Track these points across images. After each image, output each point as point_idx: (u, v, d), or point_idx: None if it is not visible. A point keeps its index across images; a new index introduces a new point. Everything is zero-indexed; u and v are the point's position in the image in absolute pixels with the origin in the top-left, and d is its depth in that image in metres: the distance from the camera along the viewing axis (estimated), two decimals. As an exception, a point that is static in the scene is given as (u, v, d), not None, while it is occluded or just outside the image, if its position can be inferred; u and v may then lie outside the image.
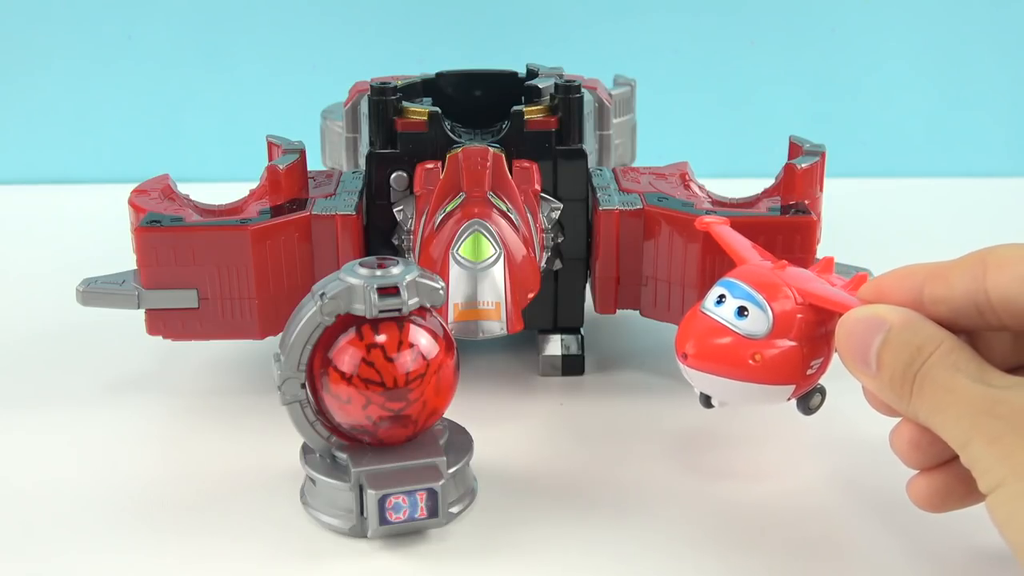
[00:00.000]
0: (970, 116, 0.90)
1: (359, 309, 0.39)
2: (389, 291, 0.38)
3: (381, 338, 0.39)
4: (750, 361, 0.39)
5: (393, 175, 0.51)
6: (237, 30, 0.86)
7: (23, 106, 0.88)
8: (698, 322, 0.40)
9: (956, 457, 0.37)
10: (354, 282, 0.38)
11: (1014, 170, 0.90)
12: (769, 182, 0.53)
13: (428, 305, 0.40)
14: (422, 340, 0.39)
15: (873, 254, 0.58)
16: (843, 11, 0.88)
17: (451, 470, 0.40)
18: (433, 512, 0.39)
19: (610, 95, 0.58)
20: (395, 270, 0.39)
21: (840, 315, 0.38)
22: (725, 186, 0.54)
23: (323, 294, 0.38)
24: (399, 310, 0.39)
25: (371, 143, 0.51)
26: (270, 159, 0.55)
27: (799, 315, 0.40)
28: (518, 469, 0.45)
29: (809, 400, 0.42)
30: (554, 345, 0.53)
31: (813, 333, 0.40)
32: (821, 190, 0.53)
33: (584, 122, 0.52)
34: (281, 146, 0.54)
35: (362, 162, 0.53)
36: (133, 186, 0.52)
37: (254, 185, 0.52)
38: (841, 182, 0.65)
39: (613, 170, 0.55)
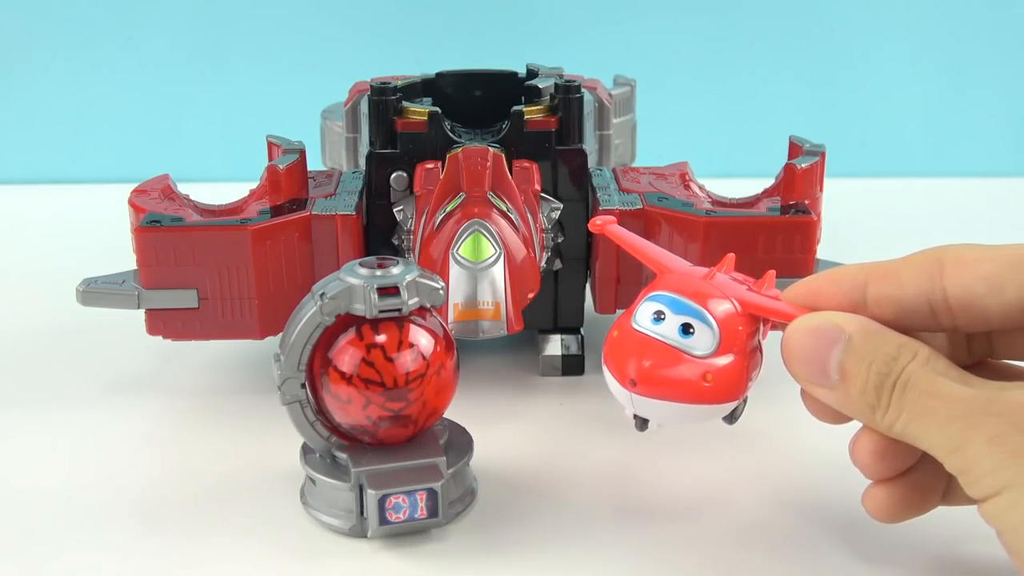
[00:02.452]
0: (970, 116, 0.90)
1: (359, 309, 0.38)
2: (389, 291, 0.38)
3: (381, 338, 0.39)
4: (703, 383, 0.37)
5: (393, 175, 0.51)
6: (237, 30, 0.86)
7: (23, 106, 0.88)
8: (638, 343, 0.37)
9: (914, 467, 0.37)
10: (354, 282, 0.38)
11: (1014, 170, 0.90)
12: (769, 182, 0.53)
13: (428, 305, 0.40)
14: (422, 340, 0.39)
15: (873, 254, 0.57)
16: (843, 11, 0.88)
17: (451, 470, 0.40)
18: (433, 512, 0.39)
19: (610, 95, 0.58)
20: (395, 270, 0.39)
21: (778, 323, 0.37)
22: (725, 186, 0.54)
23: (323, 294, 0.38)
24: (399, 310, 0.39)
25: (371, 143, 0.51)
26: (270, 159, 0.55)
27: (740, 327, 0.38)
28: (518, 469, 0.45)
29: (736, 411, 0.39)
30: (554, 345, 0.53)
31: (750, 344, 0.38)
32: (821, 190, 0.53)
33: (584, 122, 0.52)
34: (281, 146, 0.54)
35: (362, 162, 0.53)
36: (133, 186, 0.52)
37: (254, 185, 0.52)
38: (841, 182, 0.65)
39: (613, 170, 0.55)
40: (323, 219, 0.50)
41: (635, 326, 0.38)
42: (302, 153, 0.52)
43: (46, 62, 0.87)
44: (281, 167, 0.51)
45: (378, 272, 0.39)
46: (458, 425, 0.43)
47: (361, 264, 0.39)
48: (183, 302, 0.49)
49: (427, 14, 0.86)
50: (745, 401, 0.40)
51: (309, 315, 0.39)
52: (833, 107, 0.89)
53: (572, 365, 0.53)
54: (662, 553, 0.40)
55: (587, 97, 0.53)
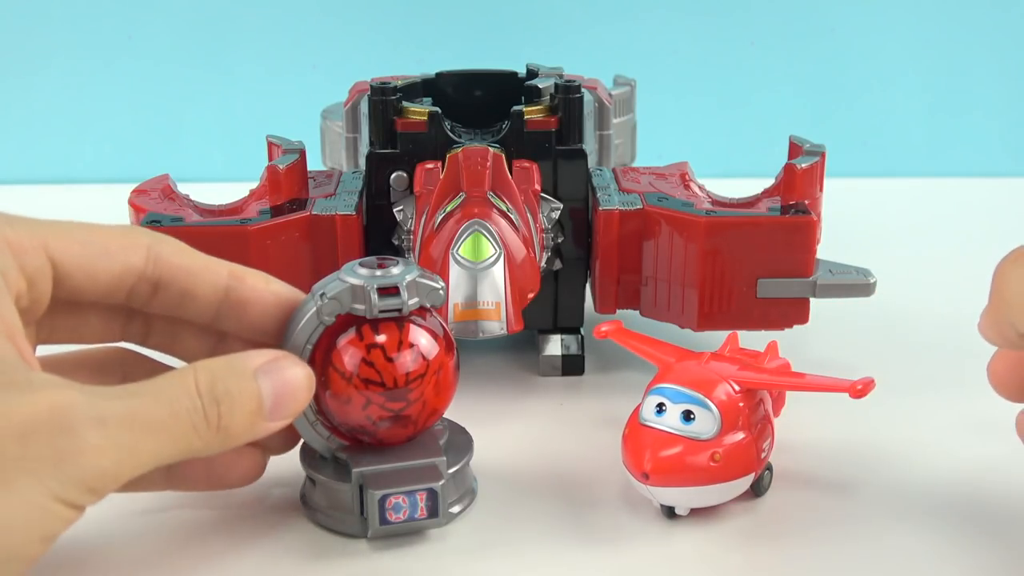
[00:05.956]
0: (970, 116, 0.90)
1: (359, 309, 0.38)
2: (389, 291, 0.38)
3: (381, 338, 0.39)
4: (711, 463, 0.39)
5: (393, 175, 0.51)
6: (237, 30, 0.86)
7: (23, 106, 0.88)
8: (646, 437, 0.40)
9: None
10: (354, 282, 0.38)
11: (1014, 170, 0.90)
12: (769, 182, 0.53)
13: (428, 305, 0.40)
14: (422, 340, 0.39)
15: (873, 254, 0.58)
16: (843, 11, 0.88)
17: (451, 470, 0.40)
18: (433, 512, 0.39)
19: (610, 95, 0.58)
20: (395, 270, 0.39)
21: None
22: (725, 186, 0.54)
23: (323, 294, 0.38)
24: (399, 310, 0.39)
25: (371, 143, 0.51)
26: (270, 159, 0.55)
27: (741, 404, 0.40)
28: (518, 469, 0.45)
29: (761, 482, 0.42)
30: (554, 345, 0.53)
31: (756, 417, 0.41)
32: (821, 190, 0.53)
33: (584, 122, 0.52)
34: (281, 146, 0.54)
35: (362, 162, 0.53)
36: (133, 186, 0.52)
37: (254, 185, 0.52)
38: (841, 182, 0.65)
39: (613, 170, 0.55)
40: (323, 219, 0.50)
41: (642, 421, 0.41)
42: (302, 153, 0.52)
43: (46, 62, 0.87)
44: (281, 167, 0.51)
45: (378, 272, 0.39)
46: (458, 425, 0.43)
47: (361, 264, 0.39)
48: (183, 302, 0.49)
49: (427, 14, 0.86)
50: (770, 471, 0.42)
51: (309, 315, 0.39)
52: (833, 107, 0.89)
53: (572, 365, 0.53)
54: (663, 552, 0.40)
55: (587, 97, 0.53)
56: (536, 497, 0.43)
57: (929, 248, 0.72)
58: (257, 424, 0.36)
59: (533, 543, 0.40)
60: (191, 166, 0.77)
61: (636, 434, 0.40)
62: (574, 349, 0.53)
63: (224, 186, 0.58)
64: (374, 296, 0.38)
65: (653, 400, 0.41)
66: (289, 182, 0.51)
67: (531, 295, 0.48)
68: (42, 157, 0.88)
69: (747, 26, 0.87)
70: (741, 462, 0.40)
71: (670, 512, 0.41)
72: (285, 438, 0.41)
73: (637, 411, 0.41)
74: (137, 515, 0.42)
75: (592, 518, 0.42)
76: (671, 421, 0.40)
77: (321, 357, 0.39)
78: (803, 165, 0.51)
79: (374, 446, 0.40)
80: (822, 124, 0.88)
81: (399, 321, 0.39)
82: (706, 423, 0.39)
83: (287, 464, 0.43)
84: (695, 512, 0.41)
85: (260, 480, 0.44)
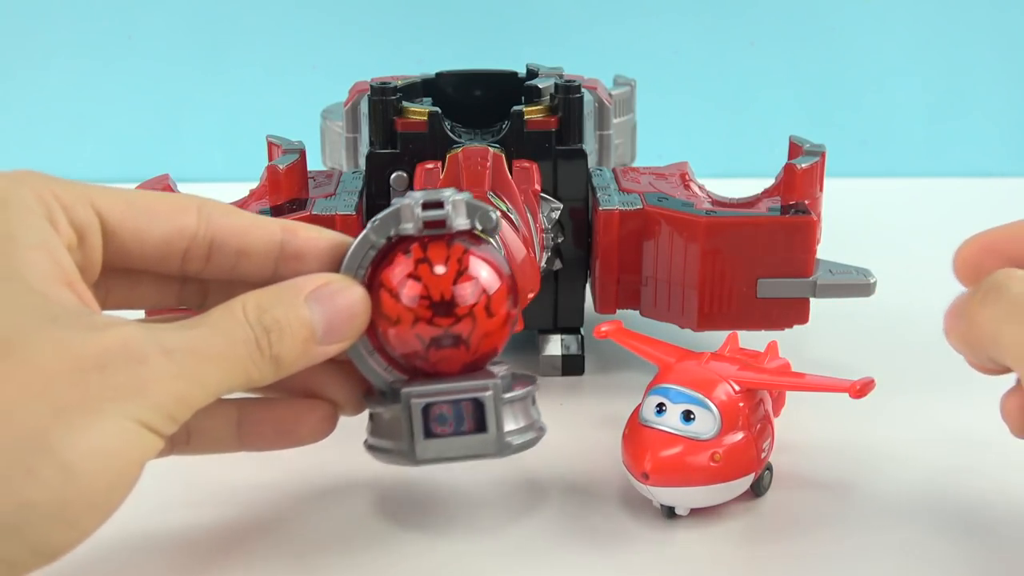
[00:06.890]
0: (970, 116, 0.90)
1: (407, 228, 0.38)
2: (435, 205, 0.38)
3: (431, 256, 0.38)
4: (711, 463, 0.39)
5: (393, 175, 0.51)
6: (237, 30, 0.86)
7: (23, 106, 0.88)
8: (646, 438, 0.40)
9: None
10: (403, 202, 0.38)
11: (1014, 170, 0.90)
12: (769, 182, 0.53)
13: (479, 228, 0.38)
14: (472, 261, 0.38)
15: (873, 254, 0.58)
16: (843, 11, 0.88)
17: (510, 394, 0.38)
18: (480, 426, 0.37)
19: (610, 95, 0.58)
20: (446, 192, 0.38)
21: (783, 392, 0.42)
22: (725, 186, 0.54)
23: (373, 219, 0.38)
24: (443, 222, 0.37)
25: (371, 143, 0.51)
26: (270, 159, 0.55)
27: (741, 404, 0.40)
28: (518, 469, 0.45)
29: (761, 482, 0.42)
30: (554, 345, 0.53)
31: (755, 417, 0.41)
32: (821, 190, 0.53)
33: (584, 122, 0.52)
34: (281, 146, 0.54)
35: (362, 162, 0.53)
36: (133, 186, 0.52)
37: (254, 185, 0.52)
38: (841, 182, 0.65)
39: (613, 170, 0.55)
40: (323, 219, 0.50)
41: (641, 421, 0.41)
42: (302, 153, 0.52)
43: (46, 62, 0.87)
44: (281, 167, 0.51)
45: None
46: (523, 372, 0.41)
47: (412, 191, 0.39)
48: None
49: (427, 14, 0.86)
50: (770, 471, 0.42)
51: (360, 240, 0.38)
52: (833, 107, 0.89)
53: (572, 365, 0.53)
54: (663, 552, 0.40)
55: (587, 97, 0.53)
56: (536, 497, 0.43)
57: (929, 248, 0.72)
58: (311, 350, 0.36)
59: (533, 543, 0.40)
60: (191, 166, 0.78)
61: (636, 434, 0.40)
62: (574, 349, 0.53)
63: (224, 186, 0.58)
64: (418, 210, 0.37)
65: (653, 400, 0.41)
66: (289, 182, 0.51)
67: (531, 295, 0.47)
68: (42, 157, 0.88)
69: (747, 26, 0.88)
70: (741, 462, 0.40)
71: (670, 512, 0.41)
72: (355, 396, 0.40)
73: (637, 411, 0.41)
74: (137, 509, 0.42)
75: (592, 518, 0.42)
76: (671, 421, 0.40)
77: (373, 279, 0.38)
78: (803, 165, 0.51)
79: (430, 375, 0.39)
80: (822, 124, 0.88)
81: (448, 240, 0.38)
82: (706, 423, 0.40)
83: (293, 459, 0.43)
84: (695, 512, 0.41)
85: (265, 478, 0.44)
